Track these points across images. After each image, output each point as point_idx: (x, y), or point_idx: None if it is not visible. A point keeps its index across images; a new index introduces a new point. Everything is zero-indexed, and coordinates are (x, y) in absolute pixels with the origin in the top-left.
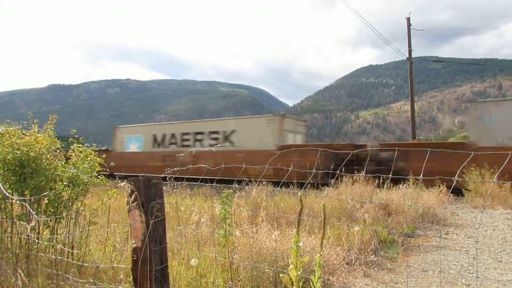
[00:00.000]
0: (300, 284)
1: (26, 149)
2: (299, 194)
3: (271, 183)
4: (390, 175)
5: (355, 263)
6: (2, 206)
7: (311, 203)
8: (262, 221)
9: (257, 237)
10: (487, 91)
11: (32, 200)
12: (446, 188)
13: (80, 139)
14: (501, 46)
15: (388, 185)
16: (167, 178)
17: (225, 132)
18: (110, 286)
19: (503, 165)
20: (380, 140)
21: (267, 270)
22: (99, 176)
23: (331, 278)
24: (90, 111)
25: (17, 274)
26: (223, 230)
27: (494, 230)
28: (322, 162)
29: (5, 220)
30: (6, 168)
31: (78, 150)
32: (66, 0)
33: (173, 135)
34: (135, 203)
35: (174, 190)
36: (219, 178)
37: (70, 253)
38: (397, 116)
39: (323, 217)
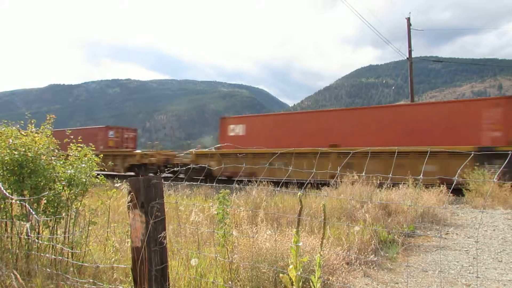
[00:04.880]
0: (300, 284)
1: (23, 149)
2: (299, 194)
3: (271, 183)
4: (391, 175)
5: (355, 263)
6: (2, 206)
7: (311, 203)
8: (262, 221)
9: (257, 237)
10: (487, 91)
11: (32, 200)
12: (446, 188)
13: (79, 138)
14: (503, 45)
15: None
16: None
17: None
18: (110, 286)
19: (503, 165)
20: None
21: (266, 271)
22: (98, 176)
23: (330, 278)
24: (90, 111)
25: (12, 274)
26: (221, 230)
27: (494, 230)
28: None
29: (4, 220)
30: (4, 169)
31: (76, 149)
32: (66, 0)
33: None
34: (135, 203)
35: (173, 189)
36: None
37: (70, 253)
38: None
39: (323, 217)
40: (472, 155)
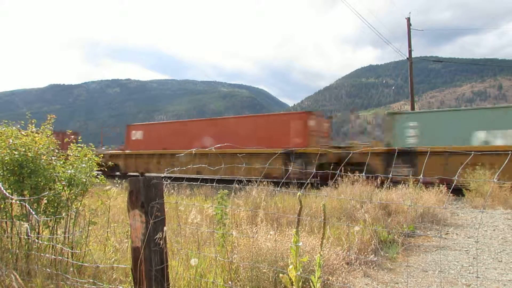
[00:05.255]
0: (300, 284)
1: (24, 149)
2: (298, 194)
3: (271, 183)
4: (391, 175)
5: (355, 263)
6: (2, 206)
7: (311, 203)
8: (262, 221)
9: (256, 237)
10: (487, 91)
11: (32, 200)
12: (446, 188)
13: (79, 138)
14: (503, 45)
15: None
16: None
17: None
18: (110, 286)
19: (503, 166)
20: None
21: (266, 271)
22: (98, 176)
23: (330, 278)
24: (90, 111)
25: (12, 275)
26: (221, 230)
27: (494, 230)
28: None
29: (4, 220)
30: (4, 169)
31: (76, 149)
32: (66, 0)
33: None
34: (135, 203)
35: (173, 189)
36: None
37: (70, 253)
38: None
39: (323, 217)
40: (473, 154)
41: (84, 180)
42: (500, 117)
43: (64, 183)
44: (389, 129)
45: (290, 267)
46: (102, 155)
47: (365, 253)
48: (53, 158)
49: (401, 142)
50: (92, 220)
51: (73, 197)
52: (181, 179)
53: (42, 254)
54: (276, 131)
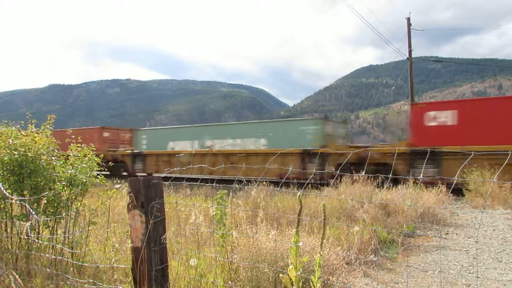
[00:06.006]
0: (300, 284)
1: (23, 149)
2: (298, 194)
3: (272, 183)
4: (391, 175)
5: (355, 263)
6: (2, 206)
7: (311, 203)
8: (262, 221)
9: (256, 237)
10: (487, 91)
11: (32, 200)
12: (446, 188)
13: (79, 138)
14: (503, 45)
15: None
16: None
17: None
18: (110, 286)
19: (503, 166)
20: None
21: (267, 270)
22: (98, 176)
23: (331, 278)
24: (90, 111)
25: (11, 276)
26: (221, 230)
27: (494, 230)
28: None
29: (4, 220)
30: (4, 169)
31: (76, 150)
32: (66, 0)
33: None
34: (135, 203)
35: (173, 189)
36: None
37: (70, 253)
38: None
39: (323, 217)
40: (472, 155)
41: (84, 180)
42: (180, 133)
43: (64, 183)
44: (136, 140)
45: (290, 267)
46: None
47: (365, 253)
48: (53, 158)
49: (139, 148)
50: (92, 220)
51: (73, 197)
52: (182, 178)
53: (42, 254)
54: (87, 139)
